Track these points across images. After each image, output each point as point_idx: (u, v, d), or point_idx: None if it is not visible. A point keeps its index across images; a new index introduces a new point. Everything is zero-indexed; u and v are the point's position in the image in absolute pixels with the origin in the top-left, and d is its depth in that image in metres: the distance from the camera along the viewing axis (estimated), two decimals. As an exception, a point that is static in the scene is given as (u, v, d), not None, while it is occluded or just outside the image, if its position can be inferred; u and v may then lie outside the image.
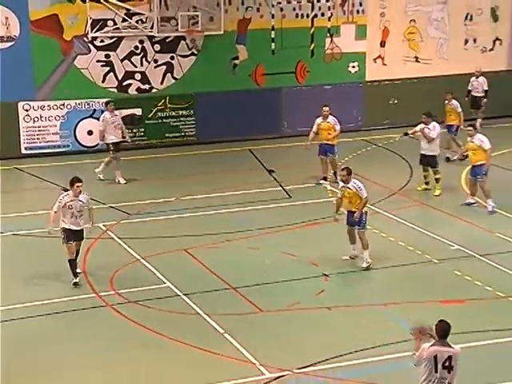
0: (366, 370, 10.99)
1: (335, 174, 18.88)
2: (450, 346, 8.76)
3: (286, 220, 16.63)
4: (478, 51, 24.81)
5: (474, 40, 24.80)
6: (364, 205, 14.16)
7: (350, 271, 14.21)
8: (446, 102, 20.62)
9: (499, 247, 15.02)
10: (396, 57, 24.25)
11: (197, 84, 22.48)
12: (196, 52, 22.54)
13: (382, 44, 24.19)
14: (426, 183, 18.36)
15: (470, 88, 23.22)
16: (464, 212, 16.94)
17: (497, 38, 24.90)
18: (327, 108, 18.98)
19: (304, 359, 11.19)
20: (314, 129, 18.98)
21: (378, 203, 17.26)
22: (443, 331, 8.83)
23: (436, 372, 8.71)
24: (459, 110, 20.52)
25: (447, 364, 8.66)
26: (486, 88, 23.12)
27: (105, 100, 20.86)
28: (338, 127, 18.87)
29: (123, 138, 19.55)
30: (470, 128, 17.27)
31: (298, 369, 11.02)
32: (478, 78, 23.21)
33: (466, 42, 24.76)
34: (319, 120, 18.98)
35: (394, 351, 11.35)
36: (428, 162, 18.07)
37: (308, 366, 11.06)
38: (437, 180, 18.11)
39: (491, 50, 24.93)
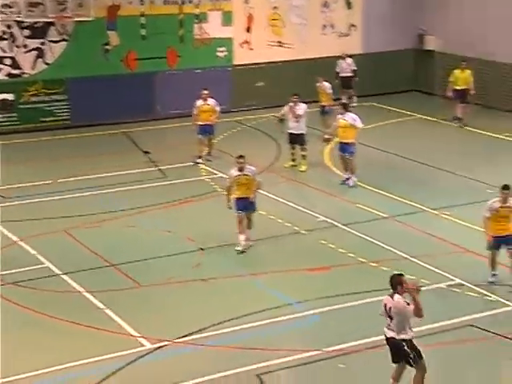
0: (240, 336, 11.10)
1: (209, 153, 18.94)
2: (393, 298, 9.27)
3: (162, 198, 16.51)
4: (335, 36, 25.32)
5: (332, 26, 25.30)
6: (258, 188, 14.15)
7: (225, 245, 14.25)
8: (318, 84, 20.93)
9: (360, 217, 15.46)
10: (261, 42, 24.40)
11: (69, 69, 21.88)
12: (67, 38, 21.92)
13: (248, 30, 24.29)
14: (293, 160, 18.64)
15: (338, 70, 23.65)
16: (328, 186, 17.31)
17: (352, 25, 25.52)
18: (207, 91, 18.94)
19: (183, 329, 11.19)
20: (195, 111, 18.90)
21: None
22: (393, 282, 9.34)
23: (386, 319, 9.38)
24: (329, 91, 20.88)
25: (390, 313, 9.30)
26: (355, 68, 23.68)
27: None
28: (218, 108, 18.97)
29: None
30: (343, 104, 17.55)
31: (177, 338, 11.01)
32: (345, 59, 23.71)
33: (324, 27, 25.24)
34: (199, 102, 18.90)
35: (266, 317, 11.52)
36: (296, 140, 18.35)
37: (187, 336, 11.06)
38: (303, 157, 18.42)
39: (347, 35, 25.51)
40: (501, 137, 20.82)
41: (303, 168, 18.39)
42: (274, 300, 12.03)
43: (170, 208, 16.18)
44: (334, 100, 21.14)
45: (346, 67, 23.70)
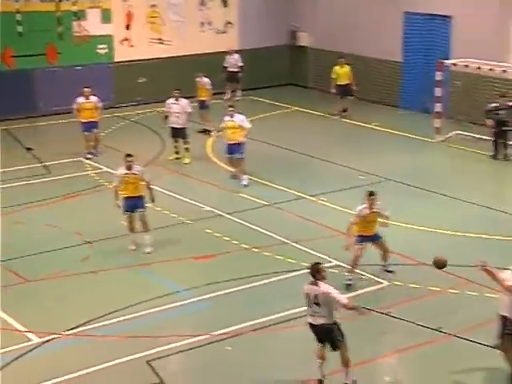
0: (129, 325, 10.98)
1: (96, 148, 18.67)
2: (318, 285, 9.27)
3: (48, 194, 16.09)
4: (213, 33, 25.37)
5: (209, 23, 25.32)
6: (149, 187, 13.70)
7: (111, 237, 14.01)
8: (197, 79, 20.85)
9: (242, 206, 15.59)
10: (141, 39, 24.14)
11: None
12: None
13: (128, 27, 23.97)
14: (177, 153, 18.55)
15: (226, 65, 23.85)
16: (211, 177, 17.35)
17: (228, 22, 25.62)
18: (88, 89, 18.54)
19: (71, 321, 10.97)
20: (76, 107, 18.48)
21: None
22: (311, 271, 9.42)
23: (310, 307, 9.33)
24: (208, 87, 20.83)
25: (316, 300, 9.26)
26: (241, 64, 23.87)
27: None
28: (100, 105, 18.67)
29: None
30: (231, 108, 17.14)
31: (66, 331, 10.77)
32: (232, 55, 23.85)
33: (202, 24, 25.22)
34: (81, 99, 18.48)
35: (154, 306, 11.46)
36: (178, 134, 18.28)
37: (75, 328, 10.85)
38: (186, 149, 18.38)
39: (224, 32, 25.61)
40: (370, 126, 21.48)
41: (187, 160, 18.35)
42: (162, 289, 11.97)
43: (56, 203, 15.79)
44: (214, 94, 21.19)
45: (234, 62, 23.94)
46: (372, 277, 12.37)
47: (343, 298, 9.37)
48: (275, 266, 12.80)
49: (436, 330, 10.72)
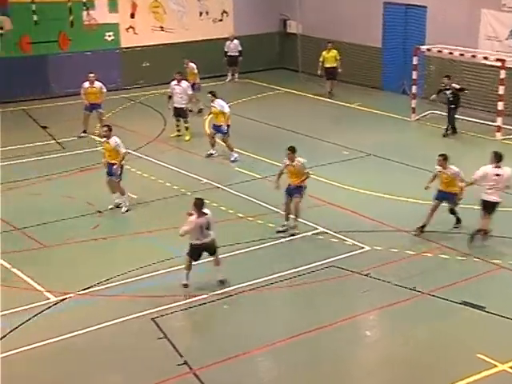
0: (136, 286, 11.02)
1: (100, 125, 18.43)
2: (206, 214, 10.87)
3: (62, 168, 16.04)
4: (211, 21, 25.16)
5: (207, 12, 25.10)
6: (122, 159, 13.80)
7: (120, 206, 14.02)
8: (185, 66, 20.56)
9: (237, 178, 15.57)
10: (145, 27, 23.94)
11: (-34, 52, 20.75)
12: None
13: (132, 16, 23.75)
14: (178, 131, 18.47)
15: (226, 49, 23.71)
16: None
17: (224, 11, 25.41)
18: (93, 74, 18.35)
19: (84, 283, 11.01)
20: (82, 92, 18.28)
21: (139, 149, 17.15)
22: (199, 205, 10.99)
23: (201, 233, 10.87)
24: (195, 71, 20.56)
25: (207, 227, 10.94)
26: (240, 49, 23.73)
27: None
28: (104, 90, 18.41)
29: None
30: (210, 95, 16.85)
31: (79, 291, 10.80)
32: (232, 41, 23.64)
33: (201, 14, 25.01)
34: (86, 84, 18.27)
35: (159, 269, 11.49)
36: (180, 113, 18.16)
37: (88, 288, 10.88)
38: (186, 128, 18.29)
39: (220, 20, 25.39)
40: (353, 106, 21.41)
41: (187, 138, 18.28)
42: (165, 253, 12.00)
43: (70, 176, 15.74)
44: (217, 77, 20.90)
45: (234, 48, 23.80)
46: (355, 242, 12.40)
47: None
48: (268, 232, 12.82)
49: (411, 289, 10.79)
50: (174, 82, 18.09)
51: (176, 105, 18.11)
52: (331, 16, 24.13)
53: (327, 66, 22.34)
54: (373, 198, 14.35)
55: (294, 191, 12.69)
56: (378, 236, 12.63)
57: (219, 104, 16.82)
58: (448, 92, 18.37)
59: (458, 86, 18.48)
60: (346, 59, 22.98)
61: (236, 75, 24.07)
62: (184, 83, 18.09)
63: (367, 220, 13.30)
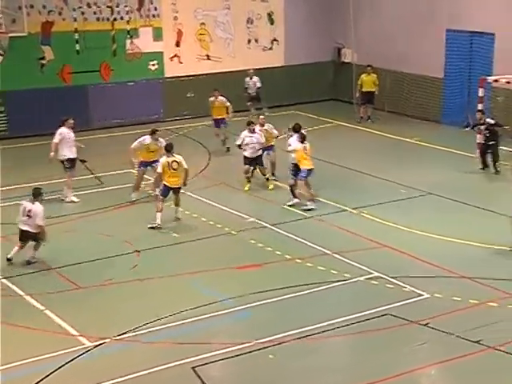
0: (176, 332, 11.04)
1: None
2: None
3: (100, 204, 16.33)
4: (260, 50, 25.56)
5: (256, 40, 25.50)
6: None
7: (160, 246, 14.19)
8: (213, 98, 20.24)
9: (285, 217, 15.59)
10: (190, 55, 24.44)
11: (6, 82, 21.42)
12: (2, 52, 21.51)
13: (177, 44, 24.29)
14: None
15: (246, 86, 23.02)
16: (255, 189, 17.39)
17: (274, 39, 25.78)
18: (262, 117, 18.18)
19: (121, 327, 11.08)
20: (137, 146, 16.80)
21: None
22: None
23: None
24: (227, 104, 20.27)
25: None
26: (259, 85, 22.91)
27: None
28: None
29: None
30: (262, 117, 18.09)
31: (116, 336, 10.90)
32: (252, 78, 23.01)
33: (249, 41, 25.42)
34: (147, 140, 16.54)
35: (200, 314, 11.49)
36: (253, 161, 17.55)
37: (125, 333, 10.96)
38: (267, 179, 17.57)
39: (270, 48, 25.77)
40: (411, 141, 21.32)
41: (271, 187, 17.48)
42: (207, 297, 12.03)
43: (108, 213, 16.01)
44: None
45: (253, 85, 22.96)
46: (413, 289, 12.24)
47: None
48: (318, 276, 12.76)
49: (476, 342, 10.56)
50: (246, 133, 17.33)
51: (248, 155, 17.25)
52: (388, 44, 24.21)
53: (364, 90, 22.66)
54: (432, 241, 14.17)
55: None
56: (438, 282, 12.45)
57: (269, 127, 17.69)
58: (482, 127, 18.21)
59: (492, 122, 18.33)
60: (404, 90, 22.99)
61: (264, 109, 22.75)
62: (257, 132, 17.40)
63: (426, 264, 13.13)
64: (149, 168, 16.63)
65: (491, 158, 18.41)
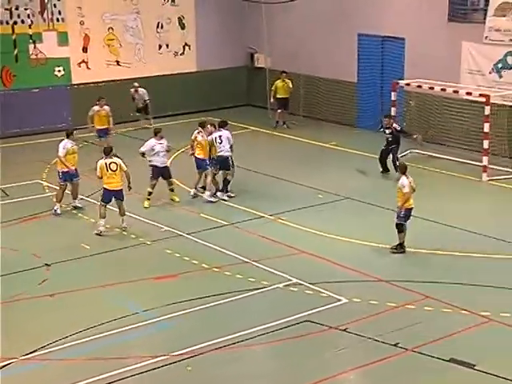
0: (89, 348, 10.78)
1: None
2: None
3: (6, 217, 15.83)
4: (171, 55, 25.44)
5: (167, 45, 25.37)
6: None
7: (70, 259, 13.86)
8: (98, 107, 19.82)
9: (202, 225, 15.52)
10: (99, 61, 24.09)
11: None
12: None
13: (85, 50, 23.91)
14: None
15: (134, 97, 23.09)
16: (166, 196, 17.22)
17: (186, 44, 25.72)
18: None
19: (30, 345, 10.73)
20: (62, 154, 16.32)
21: (91, 196, 17.05)
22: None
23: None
24: (110, 114, 19.94)
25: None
26: (147, 98, 23.07)
27: None
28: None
29: None
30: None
31: (24, 355, 10.55)
32: (137, 91, 23.02)
33: (160, 47, 25.26)
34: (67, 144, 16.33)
35: (114, 327, 11.27)
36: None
37: (34, 352, 10.62)
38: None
39: (182, 54, 25.68)
40: (327, 146, 21.65)
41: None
42: (122, 310, 11.81)
43: (15, 226, 15.53)
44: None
45: (139, 98, 23.12)
46: (332, 294, 12.38)
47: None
48: (236, 284, 12.74)
49: (394, 345, 10.76)
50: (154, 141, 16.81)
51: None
52: (302, 49, 24.54)
53: (279, 96, 23.12)
54: (349, 245, 14.40)
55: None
56: (356, 287, 12.63)
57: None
58: (387, 131, 18.69)
59: (398, 128, 18.81)
60: (319, 95, 23.34)
61: (151, 121, 22.98)
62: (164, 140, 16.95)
63: (344, 269, 13.32)
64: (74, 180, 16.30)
65: (392, 160, 18.72)
